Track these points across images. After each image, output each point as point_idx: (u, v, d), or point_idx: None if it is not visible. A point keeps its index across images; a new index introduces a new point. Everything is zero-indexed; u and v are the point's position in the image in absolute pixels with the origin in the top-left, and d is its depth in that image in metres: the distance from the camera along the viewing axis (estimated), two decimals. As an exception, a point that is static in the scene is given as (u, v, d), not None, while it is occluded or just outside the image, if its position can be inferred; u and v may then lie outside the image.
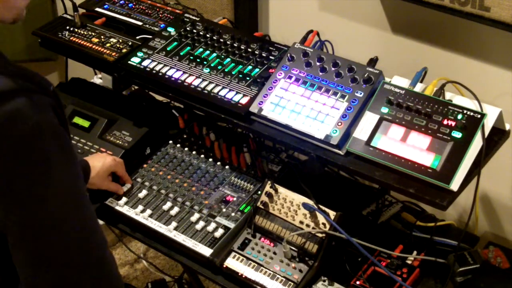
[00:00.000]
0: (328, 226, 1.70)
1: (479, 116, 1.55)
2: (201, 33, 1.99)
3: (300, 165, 1.95)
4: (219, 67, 1.88)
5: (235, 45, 1.93)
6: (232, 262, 1.74)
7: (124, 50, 2.03)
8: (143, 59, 1.95)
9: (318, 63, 1.75)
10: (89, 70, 2.37)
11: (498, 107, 1.60)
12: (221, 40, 1.95)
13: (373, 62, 1.75)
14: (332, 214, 1.70)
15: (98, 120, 2.14)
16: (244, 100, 1.77)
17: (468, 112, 1.56)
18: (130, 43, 2.06)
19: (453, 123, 1.55)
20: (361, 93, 1.67)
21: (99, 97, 2.26)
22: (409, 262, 1.71)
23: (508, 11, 1.66)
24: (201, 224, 1.83)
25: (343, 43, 1.94)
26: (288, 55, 1.79)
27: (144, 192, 1.94)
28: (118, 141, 2.07)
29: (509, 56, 1.86)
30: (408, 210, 1.93)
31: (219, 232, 1.80)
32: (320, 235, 1.71)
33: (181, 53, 1.94)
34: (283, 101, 1.72)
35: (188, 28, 2.02)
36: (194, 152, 2.05)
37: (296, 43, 1.81)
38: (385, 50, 1.95)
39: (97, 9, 2.26)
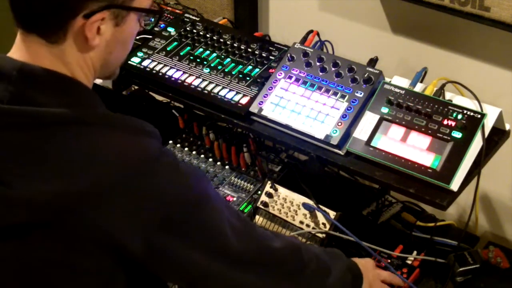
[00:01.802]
0: (328, 226, 1.70)
1: (479, 116, 1.55)
2: (201, 33, 1.99)
3: (300, 165, 1.95)
4: (219, 67, 1.88)
5: (235, 45, 1.93)
6: (232, 262, 1.74)
7: (124, 50, 2.02)
8: (143, 59, 1.95)
9: (318, 63, 1.75)
10: (89, 70, 2.36)
11: (498, 107, 1.60)
12: (221, 40, 1.95)
13: (373, 62, 1.75)
14: (332, 214, 1.70)
15: (98, 120, 2.13)
16: (244, 100, 1.77)
17: (468, 112, 1.56)
18: (130, 43, 2.06)
19: (453, 123, 1.55)
20: (361, 93, 1.67)
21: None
22: (409, 262, 1.71)
23: (508, 11, 1.66)
24: (201, 224, 1.82)
25: (343, 43, 1.94)
26: (288, 55, 1.79)
27: (144, 192, 1.94)
28: (118, 141, 2.07)
29: (509, 56, 1.86)
30: (408, 210, 1.93)
31: (219, 232, 1.79)
32: (320, 235, 1.71)
33: (181, 53, 1.94)
34: (283, 101, 1.72)
35: (188, 28, 2.02)
36: (194, 152, 2.05)
37: (296, 43, 1.81)
38: (385, 50, 1.95)
39: (97, 9, 2.25)
